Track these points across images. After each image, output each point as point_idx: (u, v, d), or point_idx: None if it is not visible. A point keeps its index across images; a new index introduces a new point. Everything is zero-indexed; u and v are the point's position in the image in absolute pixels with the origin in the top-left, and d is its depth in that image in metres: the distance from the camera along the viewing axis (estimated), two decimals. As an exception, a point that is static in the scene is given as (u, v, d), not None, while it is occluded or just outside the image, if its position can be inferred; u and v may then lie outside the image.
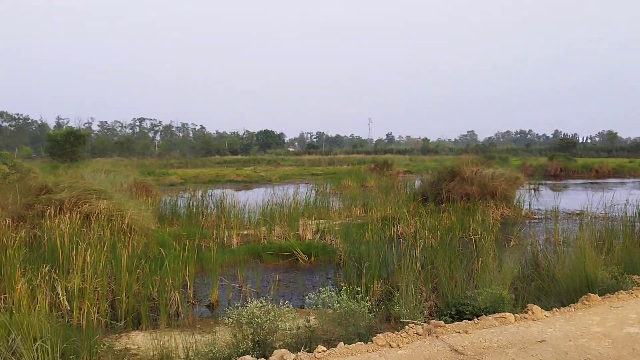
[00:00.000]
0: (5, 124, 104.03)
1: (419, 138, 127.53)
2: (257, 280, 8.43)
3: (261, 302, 4.53)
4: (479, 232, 10.56)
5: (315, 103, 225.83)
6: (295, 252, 10.15)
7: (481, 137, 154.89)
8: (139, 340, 5.77)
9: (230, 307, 4.80)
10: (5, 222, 8.18)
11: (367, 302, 4.82)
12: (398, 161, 50.39)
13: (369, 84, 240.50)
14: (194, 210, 14.10)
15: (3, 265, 6.66)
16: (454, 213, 13.17)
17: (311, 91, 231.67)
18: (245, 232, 12.55)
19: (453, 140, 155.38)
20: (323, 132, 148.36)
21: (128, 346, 5.54)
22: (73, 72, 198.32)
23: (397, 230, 11.93)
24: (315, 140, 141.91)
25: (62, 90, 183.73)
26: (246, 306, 4.47)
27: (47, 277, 6.37)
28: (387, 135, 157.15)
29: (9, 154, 16.47)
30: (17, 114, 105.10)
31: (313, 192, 18.83)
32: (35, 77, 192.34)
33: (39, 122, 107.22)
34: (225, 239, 11.57)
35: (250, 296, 7.69)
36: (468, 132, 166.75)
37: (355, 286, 5.78)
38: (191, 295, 7.48)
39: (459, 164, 18.54)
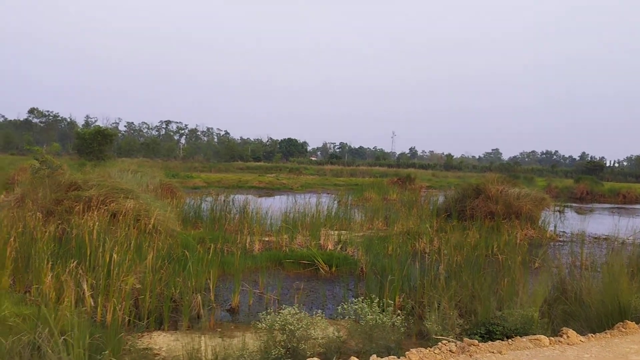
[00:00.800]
0: (35, 120, 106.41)
1: (443, 154, 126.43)
2: (279, 287, 8.41)
3: (295, 310, 4.52)
4: (505, 251, 10.40)
5: (339, 113, 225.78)
6: (316, 261, 10.12)
7: (506, 156, 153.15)
8: (161, 340, 5.79)
9: (262, 313, 4.79)
10: (36, 216, 8.31)
11: (398, 316, 4.77)
12: (421, 176, 50.03)
13: (394, 97, 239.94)
14: (217, 215, 14.17)
15: (32, 258, 6.79)
16: (478, 231, 13.00)
17: (336, 101, 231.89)
18: (267, 239, 12.56)
19: (477, 157, 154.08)
20: (346, 143, 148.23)
21: (150, 346, 5.56)
22: (103, 71, 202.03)
23: (420, 245, 11.81)
24: (338, 150, 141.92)
25: (91, 90, 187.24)
26: (279, 313, 4.46)
27: (74, 273, 6.45)
28: (410, 149, 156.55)
29: (40, 150, 16.82)
30: (48, 111, 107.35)
31: (335, 202, 18.78)
32: (66, 75, 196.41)
33: (68, 119, 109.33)
34: (247, 244, 11.59)
35: (271, 303, 7.69)
36: (492, 150, 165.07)
37: (388, 299, 5.73)
38: (212, 299, 7.48)
39: (484, 181, 18.34)
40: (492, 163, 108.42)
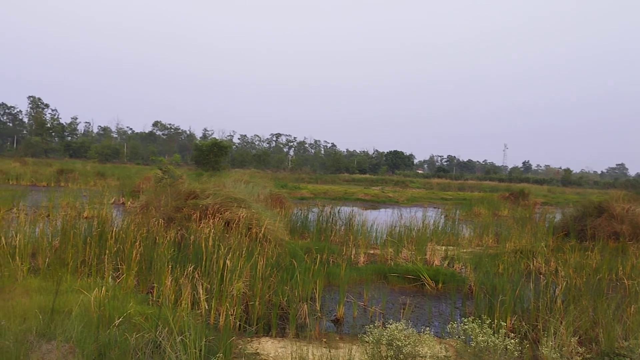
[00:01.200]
0: (159, 132, 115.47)
1: (560, 168, 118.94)
2: (383, 301, 8.34)
3: (402, 325, 4.47)
4: (632, 276, 9.52)
5: (448, 125, 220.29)
6: (422, 276, 9.91)
7: (632, 171, 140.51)
8: (268, 346, 5.95)
9: (369, 326, 4.79)
10: (159, 222, 8.96)
11: (511, 339, 4.53)
12: (535, 191, 47.39)
13: (505, 108, 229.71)
14: (323, 226, 14.38)
15: (154, 261, 7.32)
16: (600, 252, 12.02)
17: (444, 113, 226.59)
18: (371, 252, 12.54)
19: (599, 172, 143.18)
20: (454, 156, 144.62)
21: (258, 351, 5.74)
22: (220, 87, 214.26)
23: (534, 264, 11.17)
24: (445, 163, 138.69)
25: (209, 104, 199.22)
26: (386, 327, 4.43)
27: (190, 277, 6.86)
28: (524, 163, 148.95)
29: (163, 160, 18.24)
30: (170, 124, 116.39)
31: (442, 217, 18.32)
32: (186, 91, 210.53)
33: (188, 132, 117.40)
34: (352, 256, 11.64)
35: (376, 316, 7.64)
36: (617, 165, 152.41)
37: (499, 321, 5.47)
38: (318, 309, 7.59)
39: (607, 199, 16.97)
40: (616, 179, 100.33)
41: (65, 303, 5.78)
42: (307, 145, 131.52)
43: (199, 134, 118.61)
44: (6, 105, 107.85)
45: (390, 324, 4.50)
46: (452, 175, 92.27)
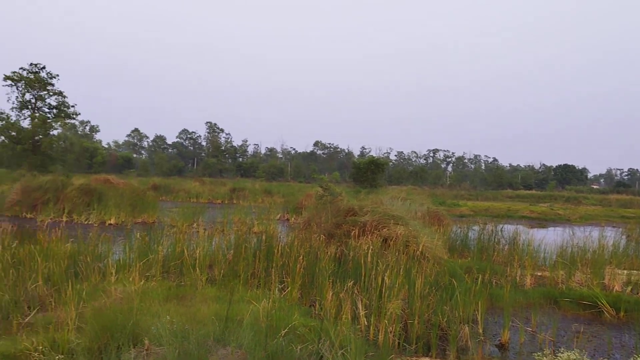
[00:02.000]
0: (319, 151, 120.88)
1: None
2: (554, 327, 7.71)
3: (575, 354, 4.12)
4: None
5: (628, 134, 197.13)
6: (599, 303, 8.99)
7: None
8: (428, 367, 5.86)
9: (537, 353, 4.50)
10: (320, 238, 9.35)
11: None
12: None
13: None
14: (484, 244, 13.78)
15: (316, 275, 7.64)
16: None
17: (622, 120, 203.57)
18: (539, 274, 11.69)
19: None
20: (637, 169, 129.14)
21: (418, 371, 5.67)
22: (379, 108, 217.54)
23: None
24: (626, 178, 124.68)
25: (376, 124, 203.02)
26: (557, 356, 4.13)
27: (350, 292, 7.03)
28: None
29: (324, 178, 19.15)
30: (329, 143, 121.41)
31: (623, 237, 16.45)
32: (345, 112, 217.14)
33: (346, 150, 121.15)
34: (517, 278, 10.97)
35: (545, 344, 7.10)
36: None
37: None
38: (480, 332, 7.27)
39: None
40: None
41: (237, 312, 6.28)
42: (466, 161, 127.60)
43: (356, 152, 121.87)
44: (188, 131, 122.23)
45: (562, 353, 4.16)
46: (634, 190, 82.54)
